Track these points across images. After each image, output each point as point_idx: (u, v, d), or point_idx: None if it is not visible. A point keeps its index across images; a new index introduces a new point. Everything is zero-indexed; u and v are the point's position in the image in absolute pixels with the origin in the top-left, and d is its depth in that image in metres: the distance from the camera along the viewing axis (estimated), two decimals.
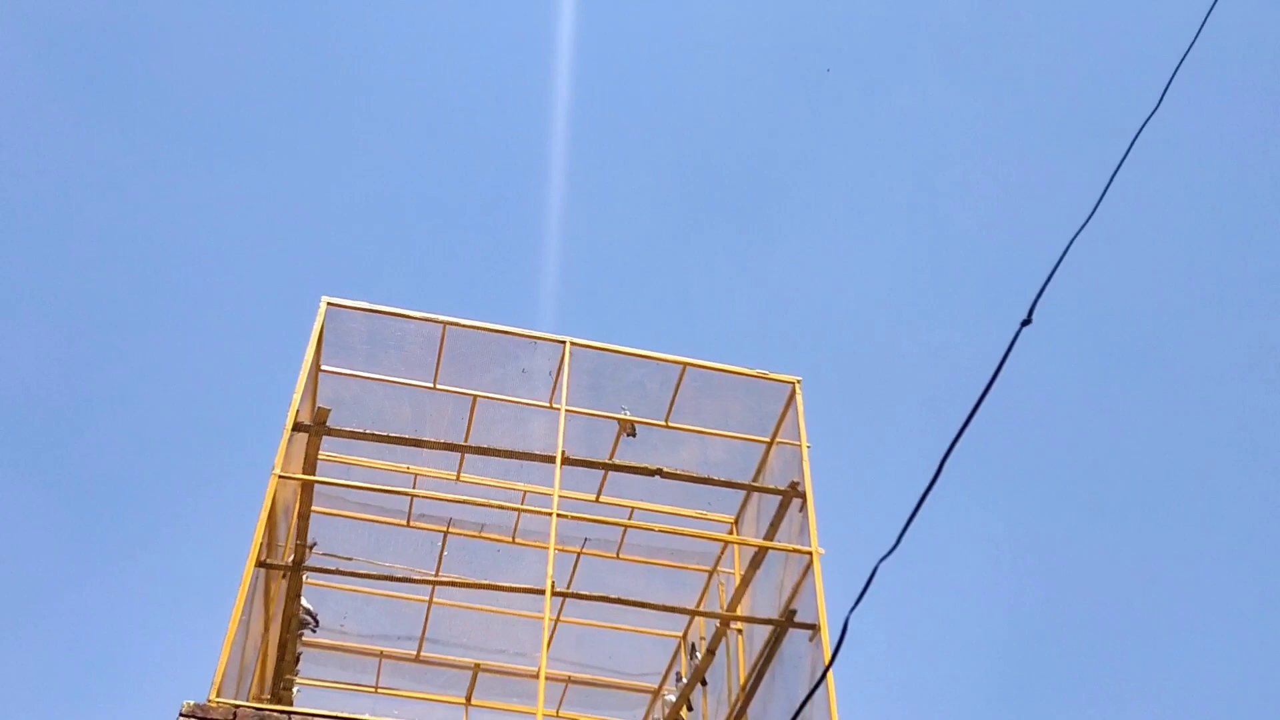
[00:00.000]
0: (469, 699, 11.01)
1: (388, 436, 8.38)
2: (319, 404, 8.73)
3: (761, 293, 23.36)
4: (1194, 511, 22.57)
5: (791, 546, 8.20)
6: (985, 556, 22.80)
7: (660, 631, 10.33)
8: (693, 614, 8.98)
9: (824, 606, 7.65)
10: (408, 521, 9.73)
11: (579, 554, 9.93)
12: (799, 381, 8.84)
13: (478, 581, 8.54)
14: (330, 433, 7.89)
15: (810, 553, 7.91)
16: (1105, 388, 22.87)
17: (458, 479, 9.39)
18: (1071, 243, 3.68)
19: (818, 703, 7.36)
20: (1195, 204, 21.88)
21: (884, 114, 22.98)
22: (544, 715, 7.26)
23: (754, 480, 9.07)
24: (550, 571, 7.52)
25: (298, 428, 7.69)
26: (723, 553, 9.79)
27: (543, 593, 7.47)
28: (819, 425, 8.63)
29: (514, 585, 8.11)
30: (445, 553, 9.89)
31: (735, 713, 8.52)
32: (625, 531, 9.79)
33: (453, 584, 8.56)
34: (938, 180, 22.99)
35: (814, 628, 7.69)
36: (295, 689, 9.70)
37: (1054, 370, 22.60)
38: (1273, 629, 20.82)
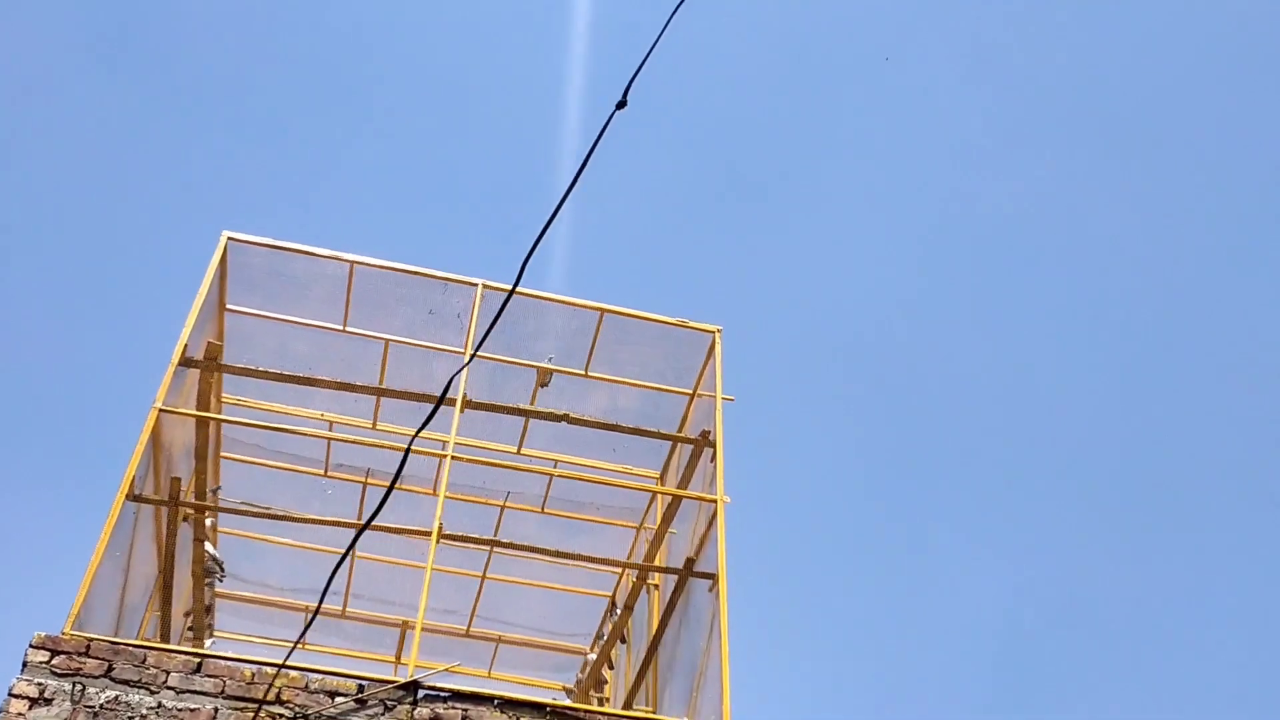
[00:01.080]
0: (398, 657, 10.82)
1: (281, 375, 8.17)
2: (224, 342, 8.54)
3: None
4: (1197, 509, 22.45)
5: (697, 495, 7.95)
6: (987, 553, 22.76)
7: (589, 591, 10.12)
8: (583, 560, 8.73)
9: (724, 556, 7.41)
10: (325, 471, 9.54)
11: (503, 507, 9.72)
12: (719, 331, 8.59)
13: (355, 522, 8.34)
14: (223, 369, 7.69)
15: (715, 501, 7.67)
16: (1106, 383, 22.68)
17: (374, 427, 9.18)
18: (670, 20, 3.61)
19: (714, 657, 7.13)
20: (1199, 205, 21.69)
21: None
22: (444, 670, 7.06)
23: (677, 432, 8.83)
24: (439, 514, 7.30)
25: (185, 363, 7.48)
26: (648, 508, 9.56)
27: (429, 535, 7.25)
28: (741, 377, 8.39)
29: (403, 527, 7.87)
30: (364, 505, 9.69)
31: (641, 666, 8.30)
32: (550, 485, 9.60)
33: (335, 524, 8.33)
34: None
35: (713, 577, 7.45)
36: (209, 640, 9.53)
37: (1055, 365, 22.48)
38: (1273, 627, 20.67)
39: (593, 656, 9.61)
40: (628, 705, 8.49)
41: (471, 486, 9.33)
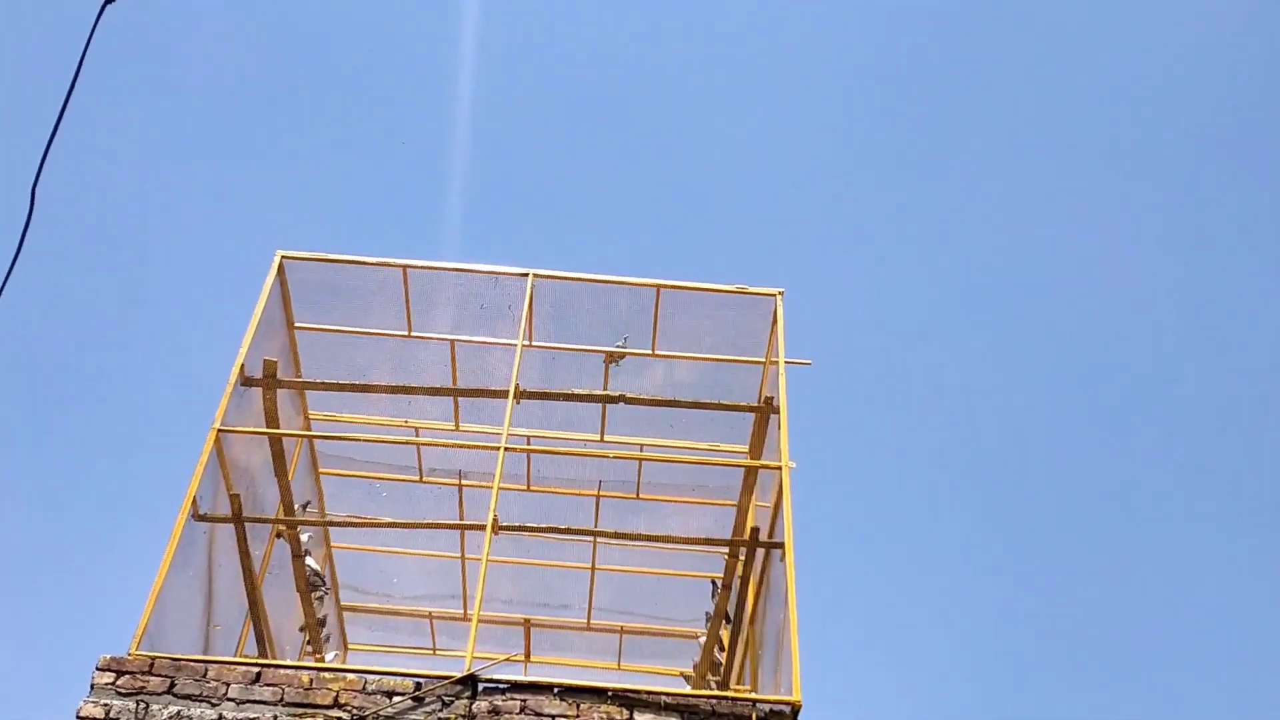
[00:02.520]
0: (527, 655, 10.88)
1: (342, 385, 8.31)
2: (300, 360, 8.75)
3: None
4: (1185, 522, 21.12)
5: (760, 463, 7.67)
6: (971, 563, 21.81)
7: (696, 574, 9.92)
8: (652, 541, 8.54)
9: (791, 524, 7.12)
10: (420, 477, 9.66)
11: (597, 496, 9.64)
12: (781, 294, 8.28)
13: (418, 522, 8.39)
14: (280, 384, 7.85)
15: (780, 467, 7.38)
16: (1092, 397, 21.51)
17: (457, 428, 9.24)
18: None
19: (788, 628, 6.86)
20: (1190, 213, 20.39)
21: None
22: (504, 660, 7.05)
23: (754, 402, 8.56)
24: (493, 507, 7.25)
25: (246, 382, 7.67)
26: (746, 482, 9.28)
27: (482, 528, 7.22)
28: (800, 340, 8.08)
29: (463, 524, 7.87)
30: (463, 506, 9.77)
31: (732, 644, 8.08)
32: (640, 472, 9.46)
33: (442, 526, 8.40)
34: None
35: (780, 545, 7.16)
36: (331, 653, 9.77)
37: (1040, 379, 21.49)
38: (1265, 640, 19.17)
39: (704, 639, 9.41)
40: (725, 684, 8.27)
41: (554, 478, 9.29)
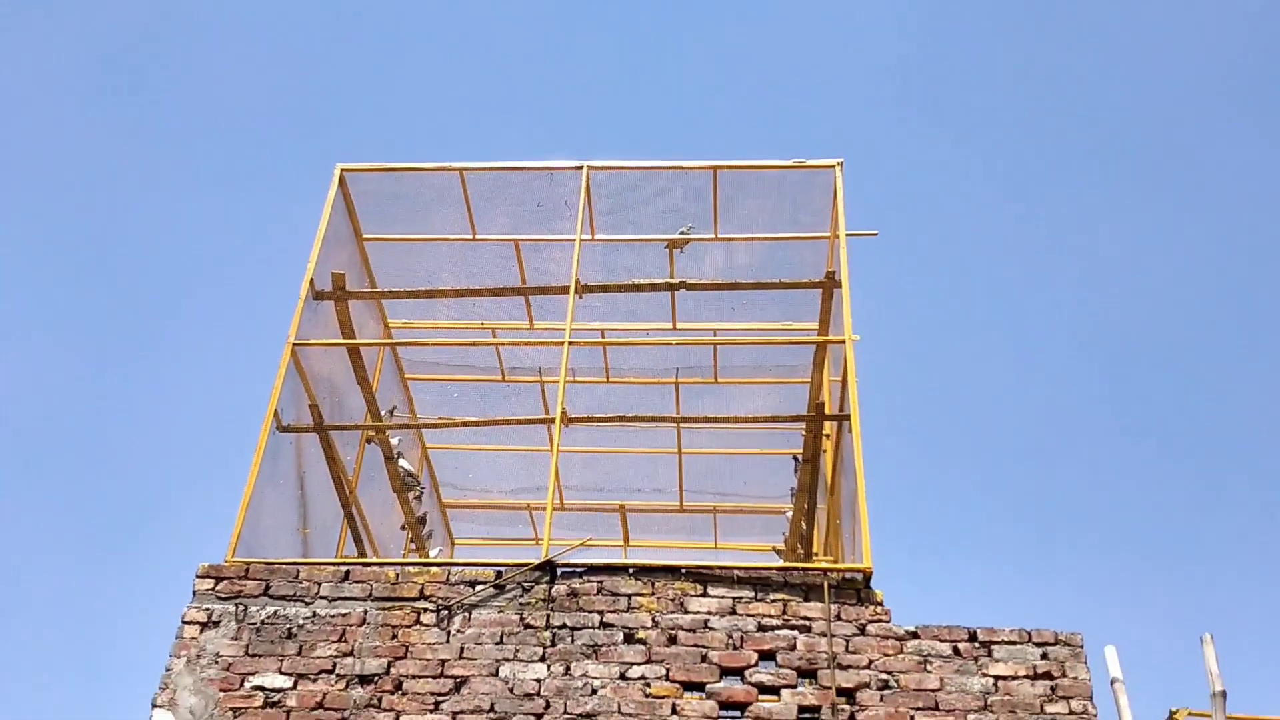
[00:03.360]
0: (625, 540, 11.16)
1: (403, 292, 8.50)
2: (373, 272, 8.96)
3: None
4: None
5: (823, 338, 7.66)
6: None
7: (780, 450, 10.02)
8: (704, 421, 8.65)
9: (856, 396, 7.13)
10: (503, 377, 9.88)
11: (676, 383, 9.74)
12: (840, 164, 8.15)
13: (490, 420, 8.60)
14: (351, 295, 8.07)
15: (843, 341, 7.37)
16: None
17: (531, 326, 9.40)
18: None
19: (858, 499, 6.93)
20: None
21: None
22: (580, 545, 7.24)
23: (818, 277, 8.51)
24: (561, 399, 7.40)
25: (318, 296, 7.90)
26: (817, 358, 9.29)
27: (552, 421, 7.38)
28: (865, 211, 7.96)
29: (526, 419, 8.06)
30: (546, 401, 9.96)
31: (809, 516, 8.18)
32: (715, 356, 9.52)
33: (528, 422, 8.63)
34: None
35: (845, 418, 7.18)
36: (435, 549, 10.16)
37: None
38: None
39: (789, 514, 9.54)
40: (808, 558, 8.40)
41: (631, 368, 9.41)
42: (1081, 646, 6.22)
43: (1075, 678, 6.12)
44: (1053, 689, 6.08)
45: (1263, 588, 19.70)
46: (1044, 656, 6.19)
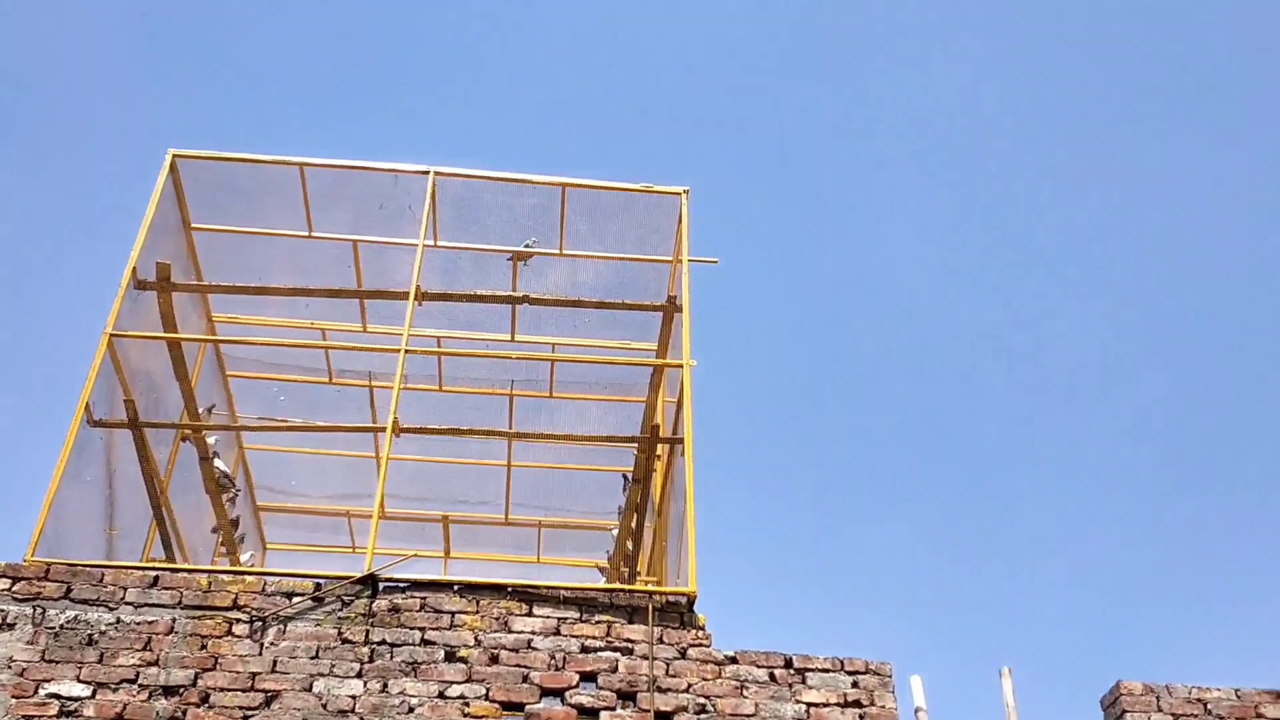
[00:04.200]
0: (447, 552, 11.01)
1: (232, 287, 8.22)
2: (199, 264, 8.62)
3: None
4: None
5: (662, 361, 7.73)
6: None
7: (609, 468, 10.05)
8: (562, 440, 8.66)
9: (690, 420, 7.21)
10: (330, 379, 9.63)
11: (510, 395, 9.68)
12: (686, 192, 8.25)
13: (319, 425, 8.41)
14: (175, 288, 7.74)
15: (681, 365, 7.44)
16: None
17: (364, 329, 9.19)
18: None
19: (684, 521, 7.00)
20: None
21: None
22: (407, 558, 7.12)
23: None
24: (394, 407, 7.26)
25: (140, 285, 7.55)
26: (654, 380, 9.37)
27: (383, 430, 7.24)
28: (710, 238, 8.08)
29: (359, 426, 7.90)
30: (375, 407, 9.76)
31: (636, 536, 8.24)
32: (553, 371, 9.50)
33: (354, 429, 8.41)
34: None
35: (678, 441, 7.26)
36: (247, 554, 9.81)
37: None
38: None
39: (614, 532, 9.58)
40: (632, 578, 8.45)
41: (466, 379, 9.31)
42: (890, 676, 6.42)
43: (883, 706, 6.31)
44: (861, 717, 6.26)
45: (1061, 620, 20.73)
46: (855, 685, 6.36)
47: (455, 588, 6.45)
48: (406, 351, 7.48)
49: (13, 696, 5.74)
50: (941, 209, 22.87)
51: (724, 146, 22.89)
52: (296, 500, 10.73)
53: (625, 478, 9.25)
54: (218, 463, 8.88)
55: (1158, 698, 6.58)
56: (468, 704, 6.04)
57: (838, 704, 6.28)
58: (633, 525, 9.32)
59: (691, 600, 6.53)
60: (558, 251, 8.63)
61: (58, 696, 5.79)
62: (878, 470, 22.42)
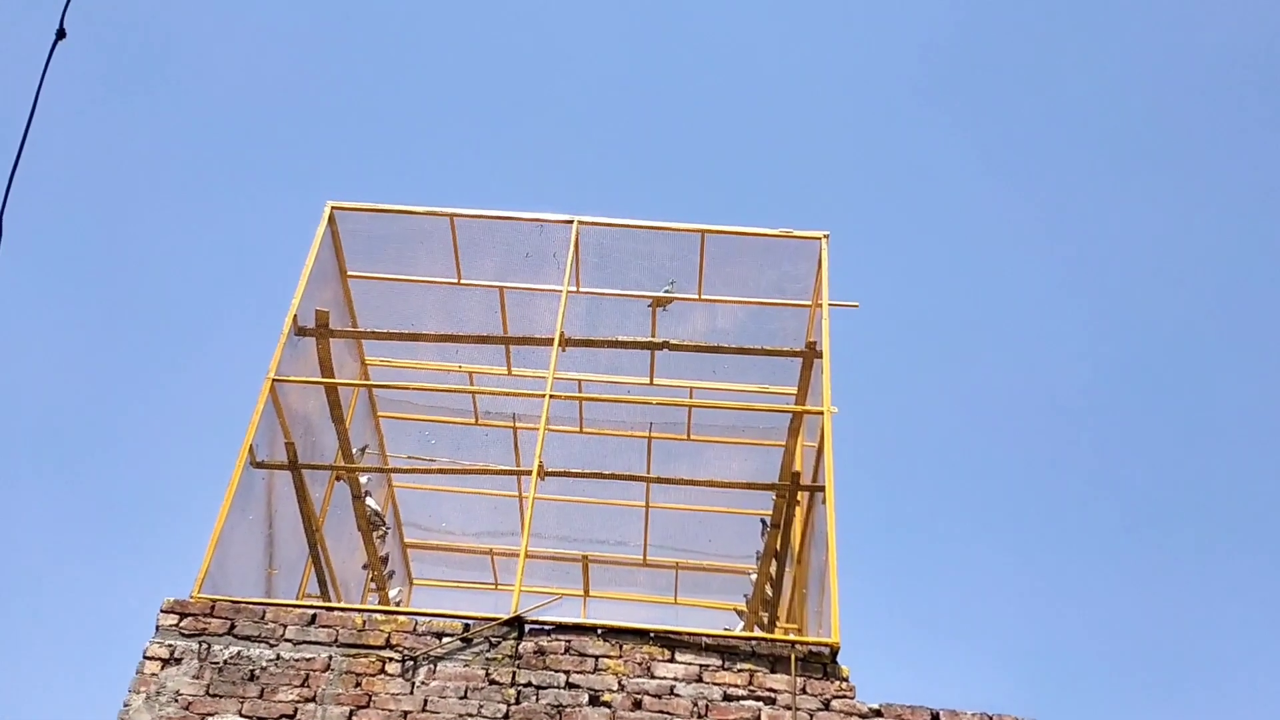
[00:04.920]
0: (586, 591, 11.15)
1: (386, 333, 8.51)
2: (355, 310, 8.95)
3: None
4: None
5: (802, 408, 7.73)
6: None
7: (748, 510, 10.05)
8: (677, 482, 8.71)
9: (832, 467, 7.19)
10: (476, 420, 9.88)
11: (649, 438, 9.78)
12: (826, 237, 8.26)
13: (465, 466, 8.59)
14: (334, 334, 8.06)
15: (822, 412, 7.43)
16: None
17: (509, 373, 9.42)
18: None
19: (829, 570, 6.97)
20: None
21: None
22: (551, 600, 7.25)
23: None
24: (540, 450, 7.42)
25: (300, 331, 7.89)
26: (793, 425, 9.36)
27: (529, 473, 7.39)
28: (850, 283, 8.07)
29: (506, 469, 8.06)
30: (519, 449, 9.97)
31: (776, 583, 8.21)
32: (690, 414, 9.56)
33: (440, 471, 8.64)
34: None
35: (820, 489, 7.24)
36: (395, 590, 10.10)
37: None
38: None
39: (753, 577, 9.57)
40: (772, 623, 8.42)
41: (606, 420, 9.45)
42: None
43: None
44: None
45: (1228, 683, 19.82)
46: None
47: (599, 631, 6.54)
48: (551, 396, 7.63)
49: None
50: (1087, 245, 22.30)
51: (863, 186, 22.76)
52: (443, 538, 11.01)
53: (764, 522, 9.25)
54: (370, 501, 9.19)
55: None
56: None
57: None
58: (771, 571, 9.30)
59: (835, 651, 6.49)
60: (696, 296, 8.72)
61: None
62: (1023, 518, 21.86)
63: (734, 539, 10.45)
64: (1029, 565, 21.54)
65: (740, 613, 10.08)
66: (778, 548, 9.01)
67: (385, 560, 9.71)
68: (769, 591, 9.51)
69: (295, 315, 7.80)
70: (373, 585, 9.74)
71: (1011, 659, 19.93)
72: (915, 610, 19.84)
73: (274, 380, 7.46)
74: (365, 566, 9.61)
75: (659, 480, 8.58)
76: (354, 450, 8.79)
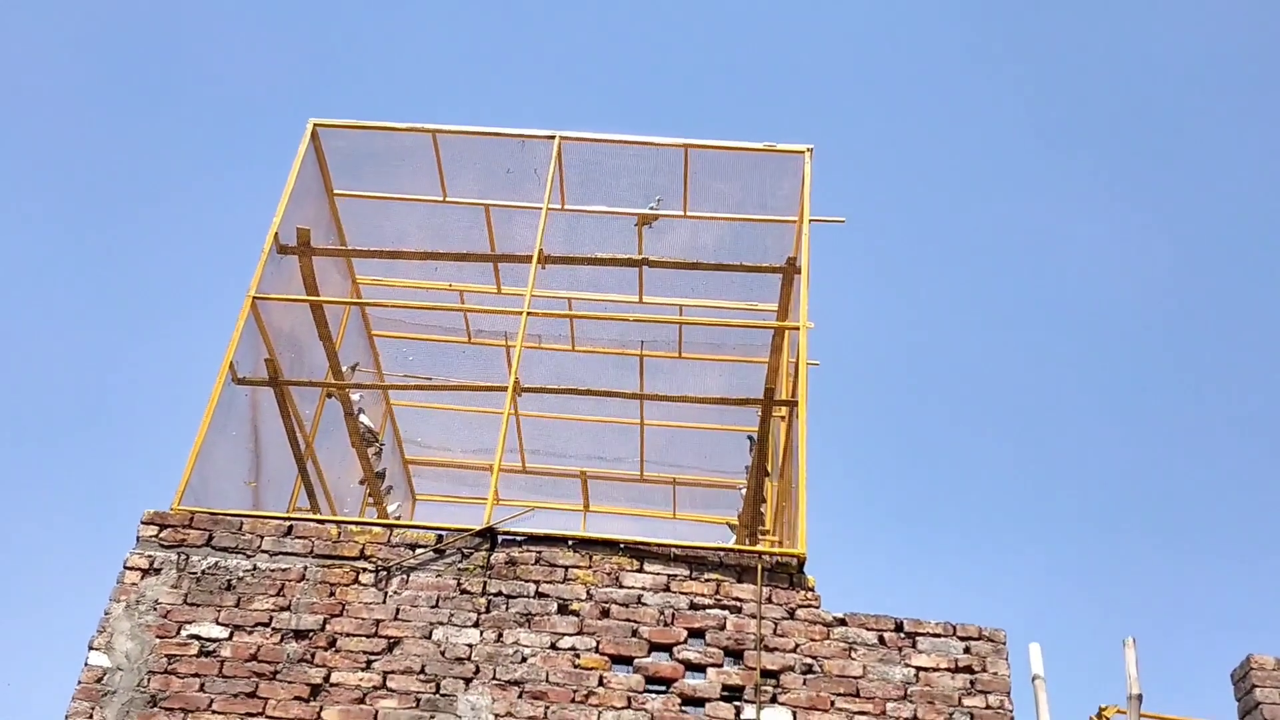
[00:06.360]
0: (585, 507, 11.29)
1: (368, 251, 8.55)
2: (342, 228, 8.99)
3: None
4: None
5: (776, 324, 7.72)
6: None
7: (736, 427, 10.10)
8: (646, 397, 8.74)
9: (805, 383, 7.20)
10: (469, 339, 9.95)
11: (640, 356, 9.82)
12: (810, 150, 8.18)
13: (444, 383, 8.67)
14: (315, 252, 8.11)
15: (797, 328, 7.43)
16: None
17: (499, 291, 9.45)
18: None
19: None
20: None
21: None
22: (525, 512, 7.36)
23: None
24: (515, 367, 7.48)
25: (283, 250, 7.95)
26: (775, 342, 9.36)
27: (505, 389, 7.46)
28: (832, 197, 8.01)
29: (480, 384, 8.13)
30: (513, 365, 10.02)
31: (755, 496, 8.29)
32: (681, 331, 9.59)
33: (416, 388, 8.72)
34: None
35: (792, 403, 7.26)
36: (394, 505, 10.27)
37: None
38: None
39: (743, 491, 9.66)
40: (754, 537, 8.52)
41: (597, 338, 9.49)
42: (1004, 643, 6.33)
43: (995, 673, 6.24)
44: (972, 683, 6.21)
45: (1191, 590, 19.91)
46: (966, 650, 6.31)
47: (569, 542, 6.64)
48: (529, 314, 7.67)
49: (157, 636, 6.20)
50: (1079, 170, 21.92)
51: (851, 103, 22.40)
52: (442, 454, 11.15)
53: (750, 438, 9.30)
54: (362, 418, 9.31)
55: None
56: (578, 655, 6.23)
57: (948, 669, 6.24)
58: (755, 485, 9.38)
59: (801, 561, 6.56)
60: (681, 213, 8.68)
61: (198, 637, 6.23)
62: (1000, 436, 21.83)
63: (728, 455, 10.53)
64: (1005, 480, 21.58)
65: (733, 527, 10.19)
66: (761, 463, 9.07)
67: (382, 476, 9.86)
68: (755, 505, 9.60)
69: (277, 233, 7.85)
70: (370, 501, 9.90)
71: (986, 572, 20.10)
72: (889, 526, 19.97)
73: (255, 298, 7.53)
74: (361, 482, 9.77)
75: (637, 396, 8.64)
76: (344, 368, 8.88)
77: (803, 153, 8.18)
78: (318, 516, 7.41)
